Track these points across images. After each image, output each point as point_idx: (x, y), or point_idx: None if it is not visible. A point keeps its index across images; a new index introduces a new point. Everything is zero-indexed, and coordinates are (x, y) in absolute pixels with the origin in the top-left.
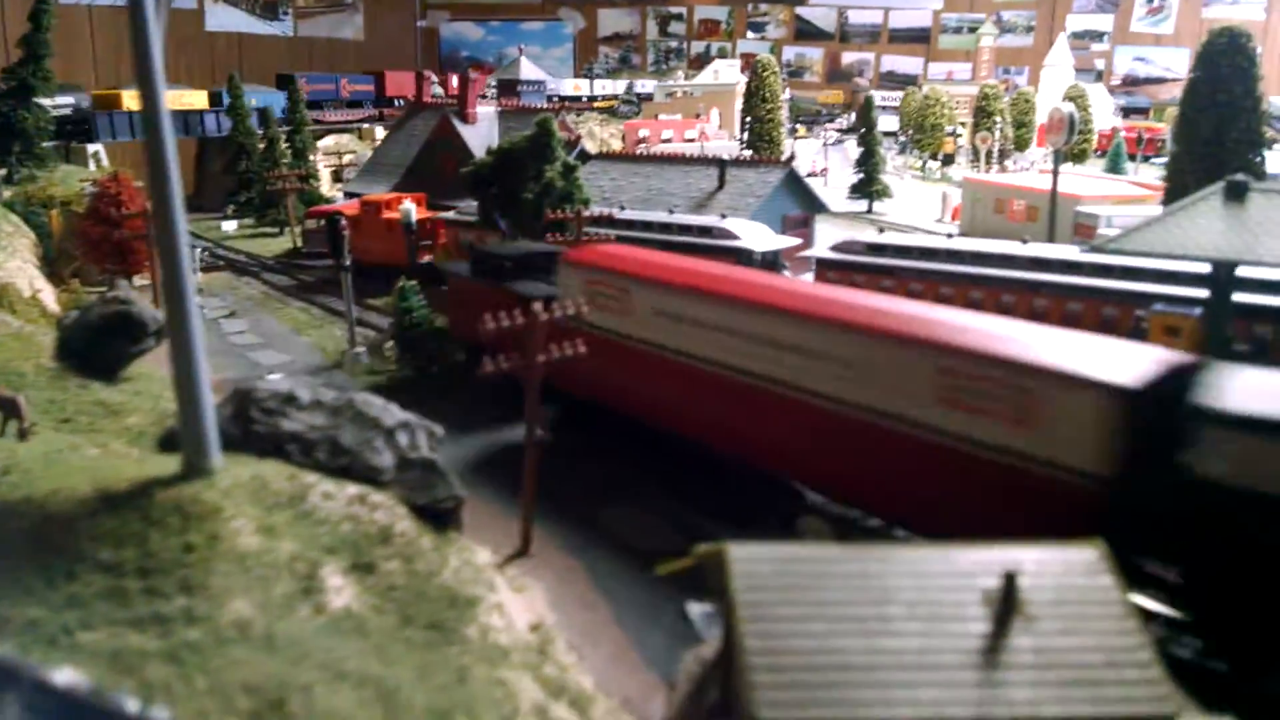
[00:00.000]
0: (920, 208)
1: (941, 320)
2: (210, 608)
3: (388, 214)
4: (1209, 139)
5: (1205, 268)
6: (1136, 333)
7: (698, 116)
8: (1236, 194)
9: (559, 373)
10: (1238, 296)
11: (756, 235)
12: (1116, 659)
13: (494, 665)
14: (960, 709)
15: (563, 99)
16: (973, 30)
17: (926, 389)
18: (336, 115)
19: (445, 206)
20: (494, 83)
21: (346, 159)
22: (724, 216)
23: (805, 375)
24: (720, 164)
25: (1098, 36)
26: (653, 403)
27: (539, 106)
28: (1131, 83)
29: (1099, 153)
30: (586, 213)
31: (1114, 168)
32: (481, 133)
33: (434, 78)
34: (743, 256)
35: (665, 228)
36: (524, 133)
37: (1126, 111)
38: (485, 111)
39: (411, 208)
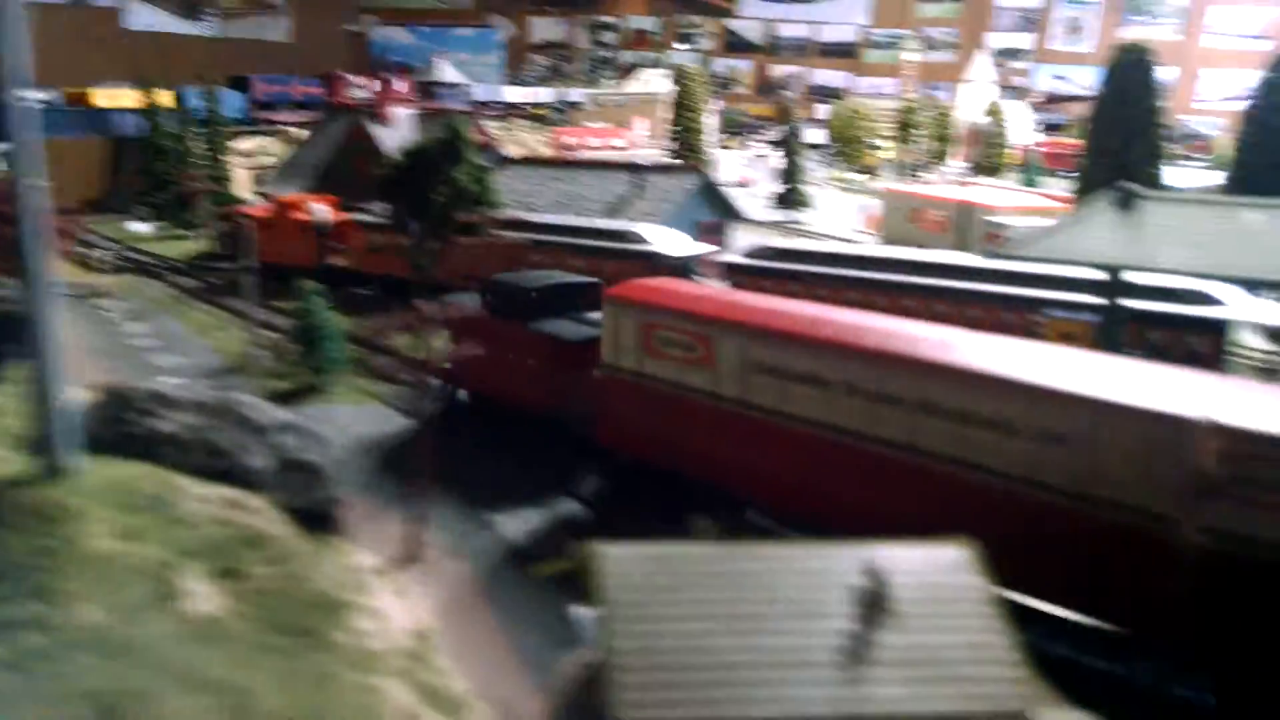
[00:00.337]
0: (842, 218)
1: (1210, 392)
2: (62, 613)
3: (298, 216)
4: (1115, 151)
5: (1101, 273)
6: (1032, 337)
7: (625, 125)
8: (1128, 202)
9: (609, 431)
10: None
11: (669, 241)
12: (980, 655)
13: (362, 671)
14: (826, 707)
15: (502, 106)
16: (898, 46)
17: (1180, 476)
18: (290, 116)
19: (361, 209)
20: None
21: (265, 160)
22: (640, 222)
23: (981, 451)
24: (637, 170)
25: (1018, 54)
26: (745, 475)
27: (459, 110)
28: (1051, 100)
29: (1021, 167)
30: (498, 215)
31: (1029, 181)
32: (399, 136)
33: (354, 80)
34: (655, 261)
35: (576, 231)
36: (435, 135)
37: (1049, 128)
38: (404, 114)
39: (322, 209)
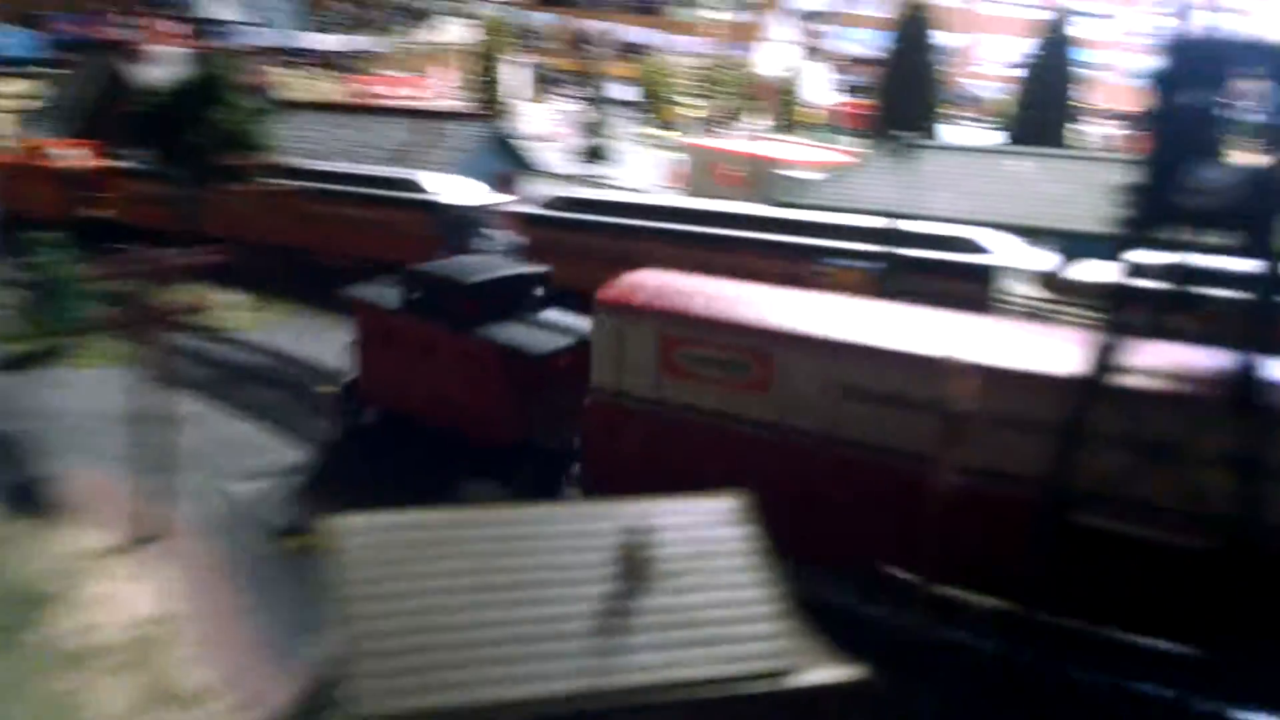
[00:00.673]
0: (646, 172)
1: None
2: None
3: (45, 162)
4: (899, 107)
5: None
6: (815, 285)
7: (427, 75)
8: (904, 151)
9: (603, 473)
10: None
11: (457, 191)
12: (746, 613)
13: (70, 671)
14: (581, 680)
15: (298, 52)
16: (704, 4)
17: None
18: None
19: (125, 155)
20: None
21: (26, 104)
22: (429, 172)
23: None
24: (428, 118)
25: (822, 17)
26: (832, 535)
27: (229, 49)
28: (853, 62)
29: (824, 126)
30: (272, 163)
31: (827, 138)
32: (162, 76)
33: (120, 18)
34: (440, 211)
35: (358, 180)
36: (194, 74)
37: (852, 89)
38: (169, 53)
39: (75, 155)
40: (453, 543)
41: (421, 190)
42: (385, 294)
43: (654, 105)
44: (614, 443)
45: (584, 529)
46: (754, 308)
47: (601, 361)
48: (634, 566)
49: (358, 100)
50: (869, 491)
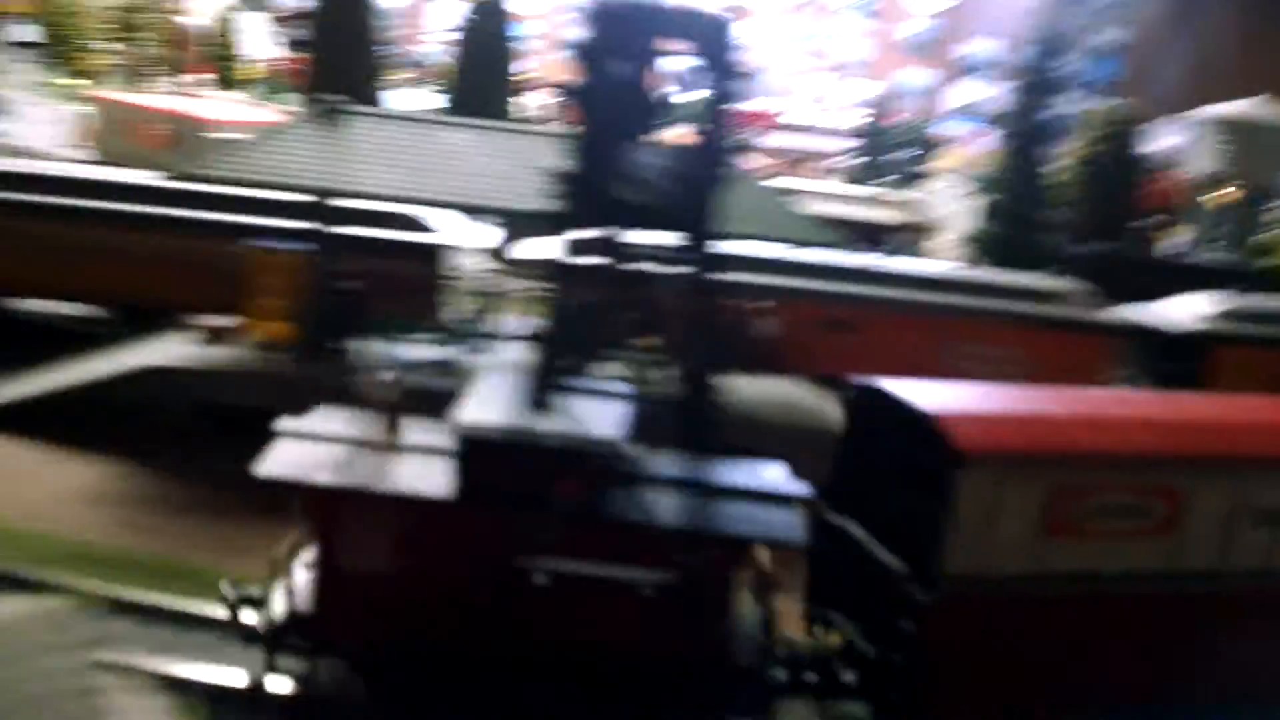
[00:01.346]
0: (49, 129)
1: None
2: None
3: None
4: (332, 65)
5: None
6: (234, 268)
7: None
8: (331, 118)
9: (970, 685)
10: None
11: None
12: None
13: None
14: None
15: None
16: None
17: None
18: None
19: None
20: None
21: None
22: None
23: None
24: None
25: None
26: None
27: None
28: (296, 15)
29: (264, 82)
30: None
31: (266, 96)
32: None
33: None
34: None
35: None
36: None
37: (295, 44)
38: None
39: None
40: None
41: None
42: (392, 474)
43: (61, 49)
44: (976, 648)
45: None
46: (1159, 427)
47: (962, 539)
48: None
49: None
50: None
